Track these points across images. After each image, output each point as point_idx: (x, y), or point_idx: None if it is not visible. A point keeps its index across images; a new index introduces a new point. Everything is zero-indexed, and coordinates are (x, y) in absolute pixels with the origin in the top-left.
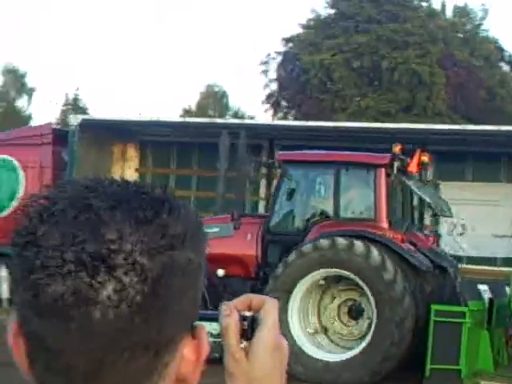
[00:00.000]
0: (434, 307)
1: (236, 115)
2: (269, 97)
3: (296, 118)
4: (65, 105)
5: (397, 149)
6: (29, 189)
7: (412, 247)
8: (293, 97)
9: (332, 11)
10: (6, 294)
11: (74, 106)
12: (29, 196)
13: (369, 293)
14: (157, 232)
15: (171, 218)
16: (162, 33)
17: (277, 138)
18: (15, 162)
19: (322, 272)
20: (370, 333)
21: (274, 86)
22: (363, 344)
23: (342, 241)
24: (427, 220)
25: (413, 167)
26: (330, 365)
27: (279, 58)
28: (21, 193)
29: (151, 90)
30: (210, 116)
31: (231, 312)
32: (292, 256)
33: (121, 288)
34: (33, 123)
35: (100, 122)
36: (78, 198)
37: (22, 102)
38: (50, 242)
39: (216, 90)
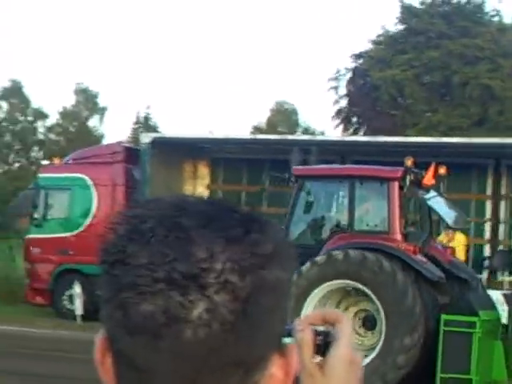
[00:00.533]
0: (443, 317)
1: (306, 131)
2: (339, 113)
3: (366, 134)
4: (136, 123)
5: (409, 162)
6: (102, 206)
7: (424, 259)
8: (363, 113)
9: (402, 27)
10: (80, 311)
11: (145, 124)
12: (115, 213)
13: (379, 304)
14: (247, 250)
15: (261, 236)
16: (231, 50)
17: (347, 153)
18: (88, 180)
19: (335, 283)
20: (380, 343)
21: (344, 102)
22: (374, 354)
23: (354, 253)
24: (501, 235)
25: (428, 180)
26: None
27: (349, 74)
28: (94, 210)
29: (221, 107)
30: (280, 133)
31: (305, 327)
32: (306, 267)
33: (212, 307)
34: (105, 142)
35: (171, 140)
36: (166, 216)
37: (94, 122)
38: (139, 260)
39: (286, 106)
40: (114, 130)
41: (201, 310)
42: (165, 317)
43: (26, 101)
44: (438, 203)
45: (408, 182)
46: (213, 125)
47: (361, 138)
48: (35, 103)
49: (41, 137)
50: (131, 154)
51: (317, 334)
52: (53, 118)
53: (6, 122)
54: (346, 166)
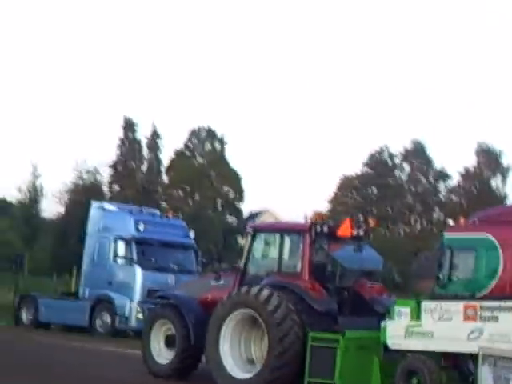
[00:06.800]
0: (311, 334)
1: None
2: None
3: None
4: None
5: (316, 216)
6: (507, 267)
7: (321, 294)
8: None
9: None
10: None
11: None
12: None
13: (264, 327)
14: None
15: None
16: None
17: None
18: (494, 241)
19: (240, 311)
20: (265, 354)
21: None
22: (263, 361)
23: (255, 289)
24: None
25: (343, 231)
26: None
27: None
28: (500, 272)
29: None
30: None
31: None
32: (225, 297)
33: None
34: (508, 202)
35: None
36: None
37: (496, 181)
38: None
39: None
40: None
41: None
42: None
43: (428, 161)
44: (337, 251)
45: (314, 235)
46: None
47: None
48: (437, 164)
49: (442, 198)
50: None
51: None
52: (454, 179)
53: (407, 184)
54: (279, 222)
